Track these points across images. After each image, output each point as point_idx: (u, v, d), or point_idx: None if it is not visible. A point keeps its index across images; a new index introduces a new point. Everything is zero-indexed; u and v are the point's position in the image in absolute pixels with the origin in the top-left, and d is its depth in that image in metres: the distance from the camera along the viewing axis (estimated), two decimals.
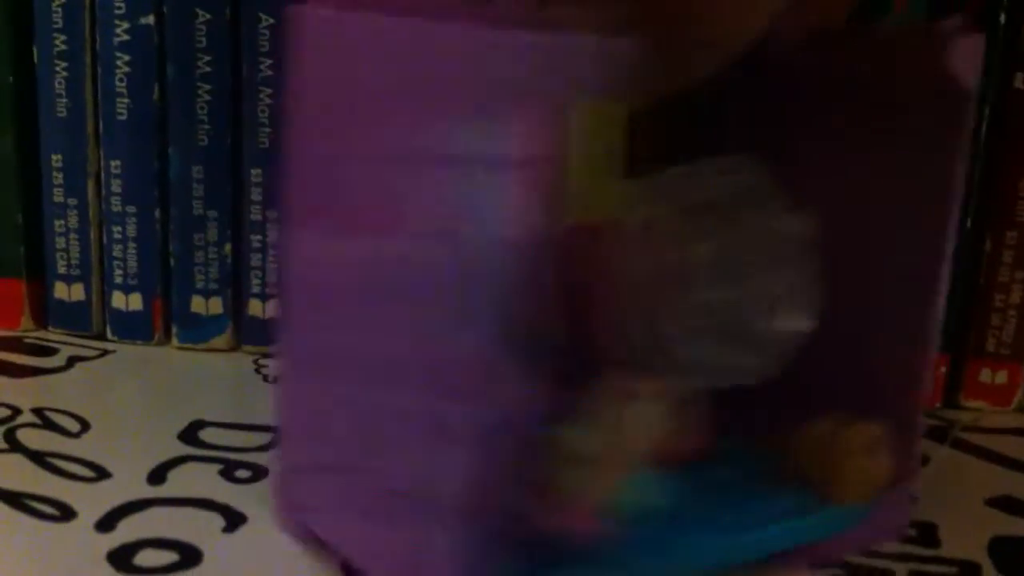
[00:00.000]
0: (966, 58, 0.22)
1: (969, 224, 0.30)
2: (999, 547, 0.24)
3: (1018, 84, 0.29)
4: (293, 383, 0.23)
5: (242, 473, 0.25)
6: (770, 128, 0.24)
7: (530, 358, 0.20)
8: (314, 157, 0.21)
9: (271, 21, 0.30)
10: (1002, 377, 0.31)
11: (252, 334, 0.33)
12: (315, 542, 0.22)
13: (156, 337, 0.33)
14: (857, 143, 0.24)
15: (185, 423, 0.28)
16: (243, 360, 0.33)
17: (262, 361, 0.32)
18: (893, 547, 0.24)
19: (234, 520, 0.23)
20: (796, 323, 0.22)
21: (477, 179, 0.18)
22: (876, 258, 0.24)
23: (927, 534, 0.24)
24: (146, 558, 0.22)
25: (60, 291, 0.33)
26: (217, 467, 0.26)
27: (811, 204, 0.22)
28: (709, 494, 0.23)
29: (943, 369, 0.31)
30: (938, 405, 0.32)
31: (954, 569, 0.23)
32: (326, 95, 0.21)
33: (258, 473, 0.25)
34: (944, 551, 0.24)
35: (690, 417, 0.22)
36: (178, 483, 0.25)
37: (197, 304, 0.33)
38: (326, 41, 0.21)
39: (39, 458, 0.26)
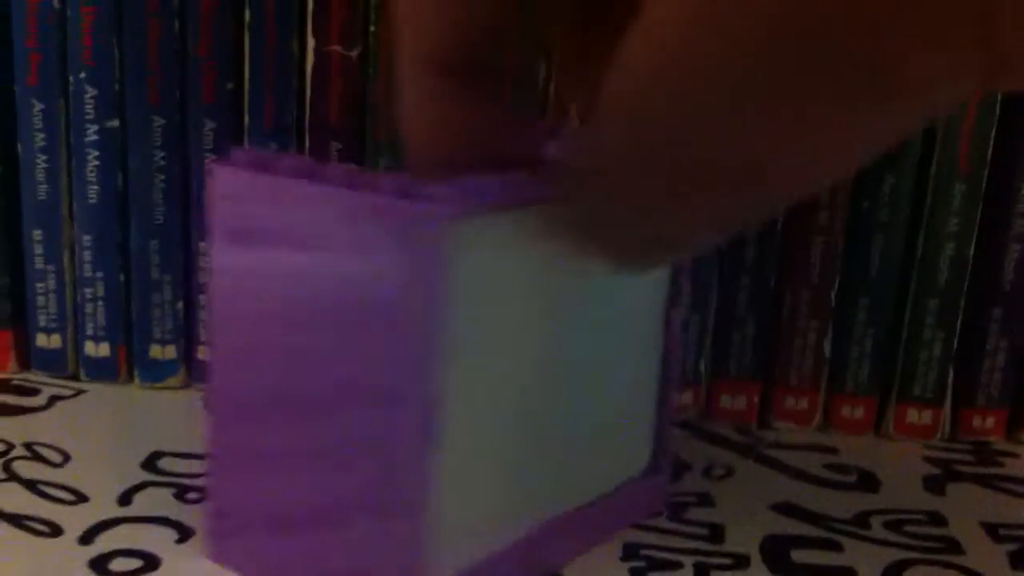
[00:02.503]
0: None
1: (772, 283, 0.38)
2: (770, 543, 0.31)
3: None
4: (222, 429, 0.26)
5: (191, 495, 0.31)
6: None
7: None
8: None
9: (213, 125, 0.36)
10: (803, 403, 0.39)
11: (201, 374, 0.38)
12: None
13: (121, 378, 0.39)
14: None
15: (146, 453, 0.33)
16: (193, 395, 0.38)
17: None
18: (685, 543, 0.30)
19: (185, 533, 0.29)
20: None
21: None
22: None
23: (716, 533, 0.31)
24: (118, 564, 0.27)
25: (41, 340, 0.38)
26: (171, 491, 0.31)
27: None
28: None
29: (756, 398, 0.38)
30: (753, 424, 0.39)
31: (729, 560, 0.30)
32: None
33: (204, 495, 0.32)
34: (727, 547, 0.31)
35: None
36: (141, 504, 0.30)
37: (155, 351, 0.38)
38: (235, 193, 0.25)
39: (32, 485, 0.31)
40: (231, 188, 0.25)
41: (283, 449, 0.25)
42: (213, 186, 0.25)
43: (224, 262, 0.25)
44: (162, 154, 0.37)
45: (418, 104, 0.22)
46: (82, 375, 0.39)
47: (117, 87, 0.36)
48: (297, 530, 0.25)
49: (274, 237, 0.24)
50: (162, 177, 0.37)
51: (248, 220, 0.25)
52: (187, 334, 0.38)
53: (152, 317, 0.38)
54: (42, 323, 0.39)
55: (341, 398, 0.24)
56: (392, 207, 0.22)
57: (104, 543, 0.29)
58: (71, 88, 0.36)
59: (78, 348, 0.39)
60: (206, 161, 0.27)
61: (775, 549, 0.30)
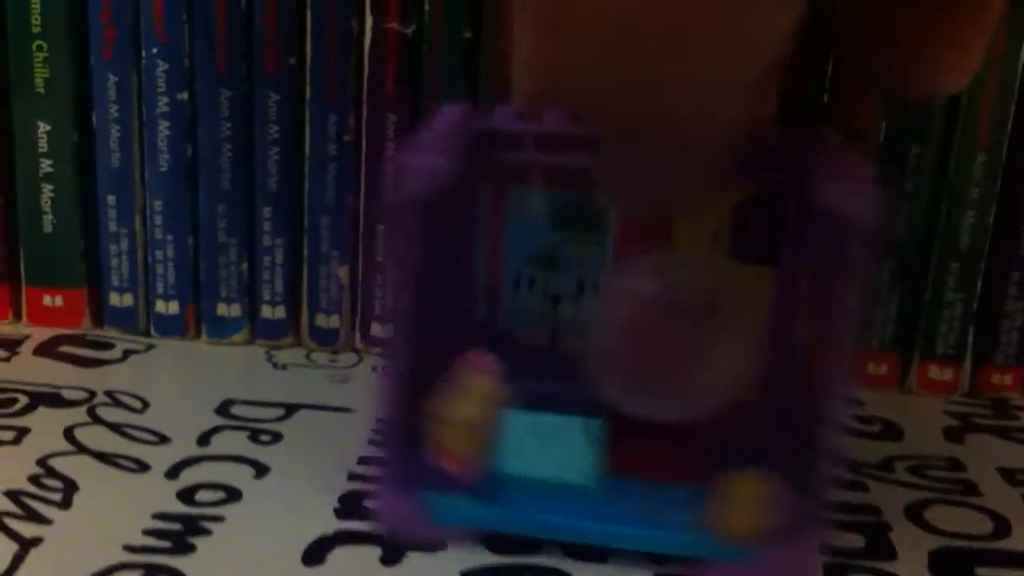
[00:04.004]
0: (860, 202, 0.24)
1: None
2: None
3: None
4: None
5: (264, 438, 0.34)
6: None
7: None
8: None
9: (277, 98, 0.38)
10: None
11: (264, 331, 0.41)
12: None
13: (189, 334, 0.41)
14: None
15: (219, 401, 0.36)
16: (257, 352, 0.40)
17: (272, 352, 0.40)
18: None
19: (261, 470, 0.32)
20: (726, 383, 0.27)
21: None
22: (792, 338, 0.29)
23: None
24: (203, 496, 0.30)
25: (114, 299, 0.41)
26: (246, 433, 0.34)
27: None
28: (633, 495, 0.28)
29: None
30: None
31: None
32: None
33: (275, 438, 0.34)
34: None
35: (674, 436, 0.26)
36: (219, 444, 0.33)
37: (221, 309, 0.40)
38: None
39: (117, 428, 0.34)
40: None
41: None
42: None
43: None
44: (229, 125, 0.39)
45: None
46: (152, 331, 0.41)
47: (187, 61, 0.39)
48: None
49: None
50: (229, 147, 0.39)
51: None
52: (251, 293, 0.41)
53: (219, 277, 0.40)
54: (115, 283, 0.41)
55: None
56: None
57: (188, 478, 0.31)
58: (143, 62, 0.39)
59: (149, 306, 0.41)
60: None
61: None
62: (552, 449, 0.30)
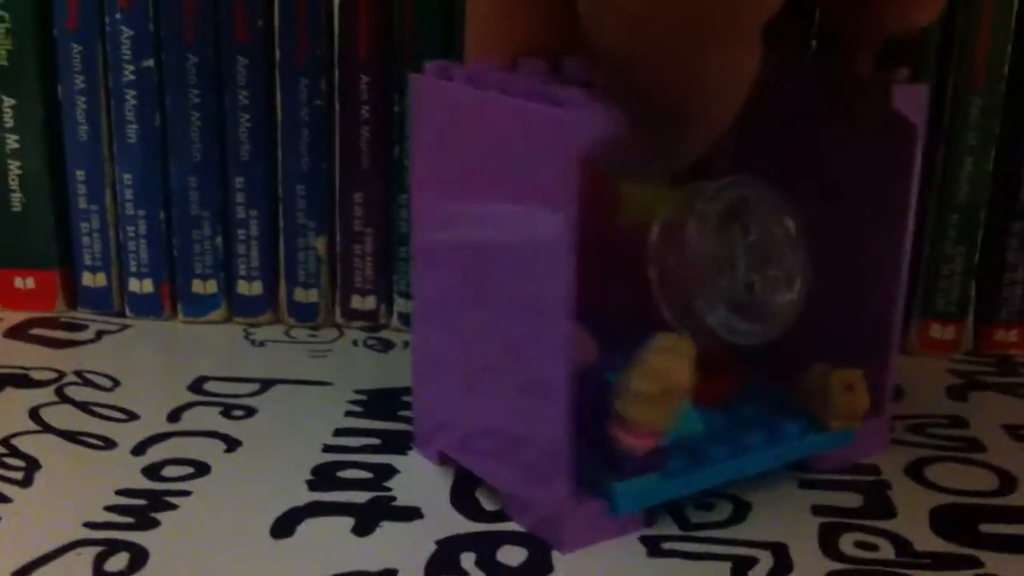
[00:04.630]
0: (912, 101, 0.28)
1: None
2: None
3: None
4: (422, 331, 0.29)
5: (237, 413, 0.33)
6: (760, 148, 0.29)
7: (596, 327, 0.26)
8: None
9: (246, 61, 0.37)
10: None
11: (241, 308, 0.39)
12: (445, 460, 0.29)
13: (165, 313, 0.40)
14: (831, 159, 0.29)
15: (192, 378, 0.35)
16: (235, 329, 0.39)
17: (249, 329, 0.39)
18: None
19: (232, 444, 0.31)
20: (792, 297, 0.27)
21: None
22: (851, 246, 0.30)
23: None
24: (170, 471, 0.29)
25: (87, 279, 0.40)
26: (219, 409, 0.33)
27: (798, 207, 0.27)
28: (735, 424, 0.28)
29: None
30: None
31: None
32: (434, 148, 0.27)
33: (249, 412, 0.33)
34: None
35: (711, 366, 0.25)
36: (190, 421, 0.32)
37: (196, 286, 0.39)
38: (432, 103, 0.27)
39: (84, 407, 0.33)
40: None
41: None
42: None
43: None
44: (197, 92, 0.38)
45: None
46: (127, 311, 0.40)
47: (152, 27, 0.37)
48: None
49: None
50: (198, 115, 0.38)
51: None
52: (227, 269, 0.40)
53: (193, 253, 0.39)
54: (87, 262, 0.40)
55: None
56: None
57: (156, 454, 0.30)
58: (107, 30, 0.37)
59: (122, 285, 0.40)
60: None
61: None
62: None
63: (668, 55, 0.20)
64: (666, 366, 0.25)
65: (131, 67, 0.38)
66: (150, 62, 0.38)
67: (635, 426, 0.25)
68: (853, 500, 0.29)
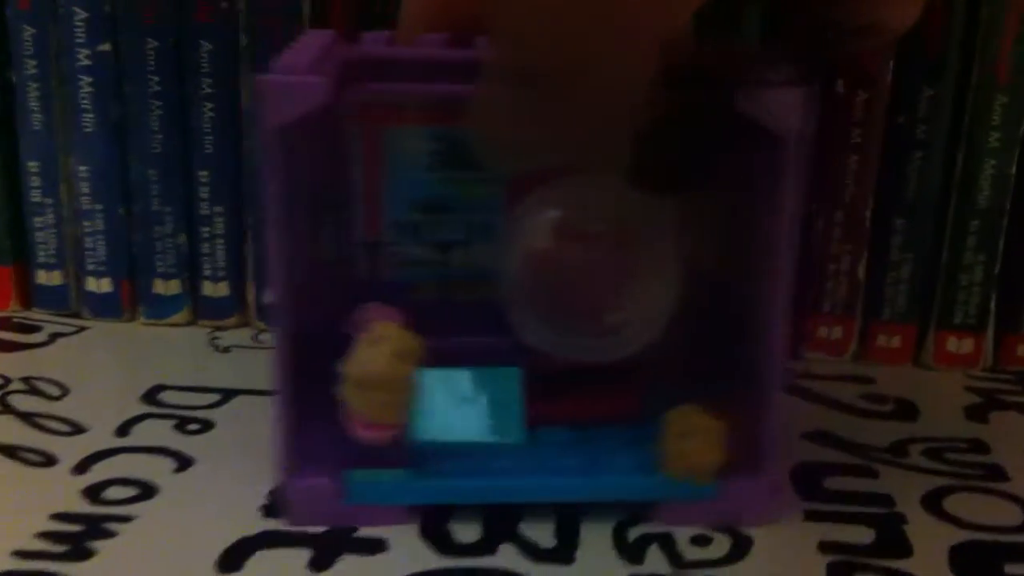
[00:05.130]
0: (784, 106, 0.23)
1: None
2: (801, 471, 0.29)
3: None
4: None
5: (192, 427, 0.30)
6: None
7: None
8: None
9: (209, 46, 0.34)
10: (838, 332, 0.37)
11: (207, 310, 0.37)
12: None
13: (125, 315, 0.37)
14: (705, 168, 0.25)
15: (148, 387, 0.32)
16: (199, 333, 0.37)
17: (215, 333, 0.37)
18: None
19: (184, 463, 0.28)
20: (629, 317, 0.25)
21: None
22: (727, 265, 0.27)
23: None
24: (114, 492, 0.26)
25: (42, 277, 0.37)
26: (172, 422, 0.30)
27: (672, 216, 0.25)
28: (562, 445, 0.26)
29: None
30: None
31: None
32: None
33: (205, 426, 0.30)
34: None
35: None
36: (140, 435, 0.30)
37: (158, 286, 0.37)
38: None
39: (27, 418, 0.30)
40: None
41: None
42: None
43: None
44: (157, 79, 0.35)
45: None
46: (85, 312, 0.38)
47: (108, 8, 0.35)
48: None
49: None
50: (159, 104, 0.35)
51: None
52: (191, 268, 0.37)
53: (155, 251, 0.37)
54: (42, 259, 0.37)
55: None
56: None
57: (99, 472, 0.28)
58: (60, 10, 0.35)
59: (80, 284, 0.37)
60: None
61: (807, 476, 0.29)
62: (470, 408, 0.27)
63: (568, 44, 0.20)
64: (363, 356, 0.24)
65: (86, 51, 0.35)
66: (107, 46, 0.35)
67: (356, 414, 0.24)
68: (865, 535, 0.26)
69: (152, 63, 0.35)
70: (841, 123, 0.34)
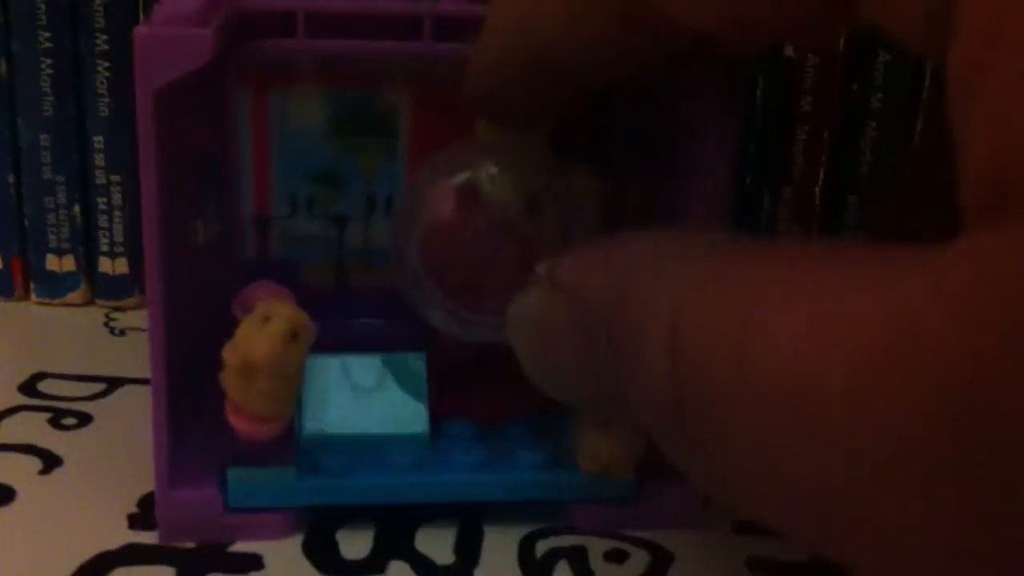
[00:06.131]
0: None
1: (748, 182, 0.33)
2: None
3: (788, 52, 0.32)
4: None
5: (68, 421, 0.27)
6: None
7: None
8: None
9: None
10: None
11: (105, 290, 0.34)
12: None
13: (17, 293, 0.34)
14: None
15: (27, 375, 0.30)
16: (96, 314, 0.34)
17: (113, 315, 0.34)
18: None
19: (51, 463, 0.25)
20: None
21: None
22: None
23: None
24: None
25: None
26: (47, 415, 0.28)
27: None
28: (470, 440, 0.24)
29: None
30: None
31: None
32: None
33: (83, 420, 0.27)
34: None
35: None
36: (9, 430, 0.27)
37: (52, 262, 0.34)
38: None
39: None
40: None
41: None
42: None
43: None
44: (48, 35, 0.32)
45: None
46: None
47: None
48: None
49: None
50: (50, 62, 0.32)
51: None
52: (87, 243, 0.34)
53: (47, 224, 0.34)
54: None
55: None
56: None
57: None
58: None
59: None
60: None
61: None
62: (367, 397, 0.24)
63: None
64: (247, 339, 0.21)
65: None
66: None
67: (235, 405, 0.22)
68: (799, 551, 0.23)
69: (43, 17, 0.32)
70: (790, 92, 0.32)
